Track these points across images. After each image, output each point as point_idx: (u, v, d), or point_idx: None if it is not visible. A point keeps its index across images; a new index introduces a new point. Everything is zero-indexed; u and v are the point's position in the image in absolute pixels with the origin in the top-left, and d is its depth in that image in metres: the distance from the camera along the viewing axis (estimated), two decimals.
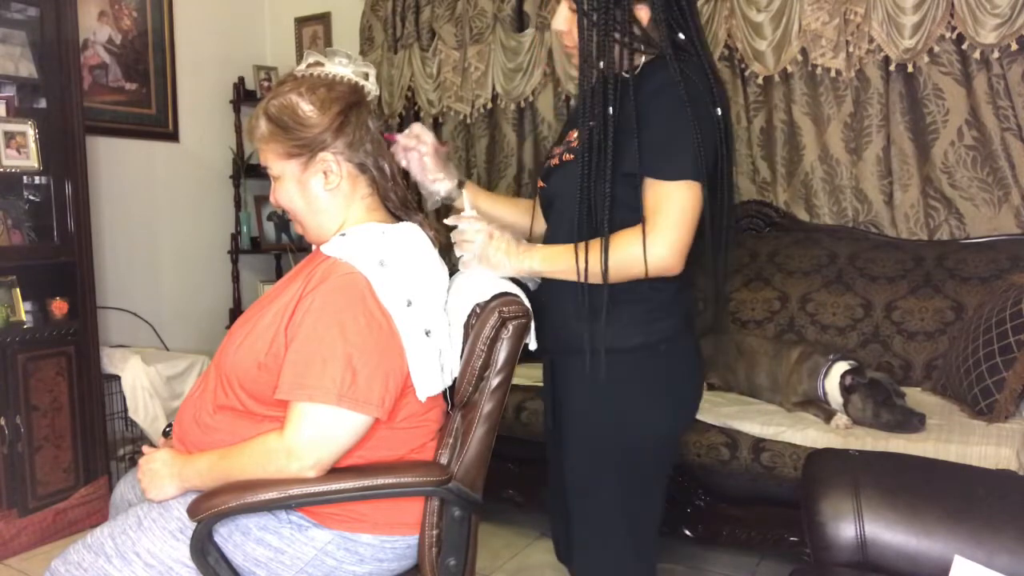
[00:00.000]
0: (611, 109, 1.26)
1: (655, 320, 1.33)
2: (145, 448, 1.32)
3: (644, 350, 1.33)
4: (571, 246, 1.29)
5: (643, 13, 1.28)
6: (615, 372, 1.31)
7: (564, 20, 1.35)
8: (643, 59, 1.32)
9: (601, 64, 1.28)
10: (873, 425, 1.97)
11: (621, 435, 1.35)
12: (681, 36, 1.28)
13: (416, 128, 1.51)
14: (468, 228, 1.34)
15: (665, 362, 1.35)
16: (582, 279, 1.27)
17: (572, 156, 1.36)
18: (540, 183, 1.48)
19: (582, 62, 1.31)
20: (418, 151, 1.50)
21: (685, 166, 1.24)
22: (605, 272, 1.25)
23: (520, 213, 1.57)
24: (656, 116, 1.26)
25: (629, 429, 1.35)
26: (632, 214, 1.27)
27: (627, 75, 1.29)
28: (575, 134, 1.39)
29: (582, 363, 1.32)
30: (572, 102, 3.11)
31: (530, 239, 1.47)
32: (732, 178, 1.35)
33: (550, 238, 1.43)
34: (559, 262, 1.31)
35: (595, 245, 1.27)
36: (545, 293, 1.39)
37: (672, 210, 1.24)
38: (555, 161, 1.42)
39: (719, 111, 1.28)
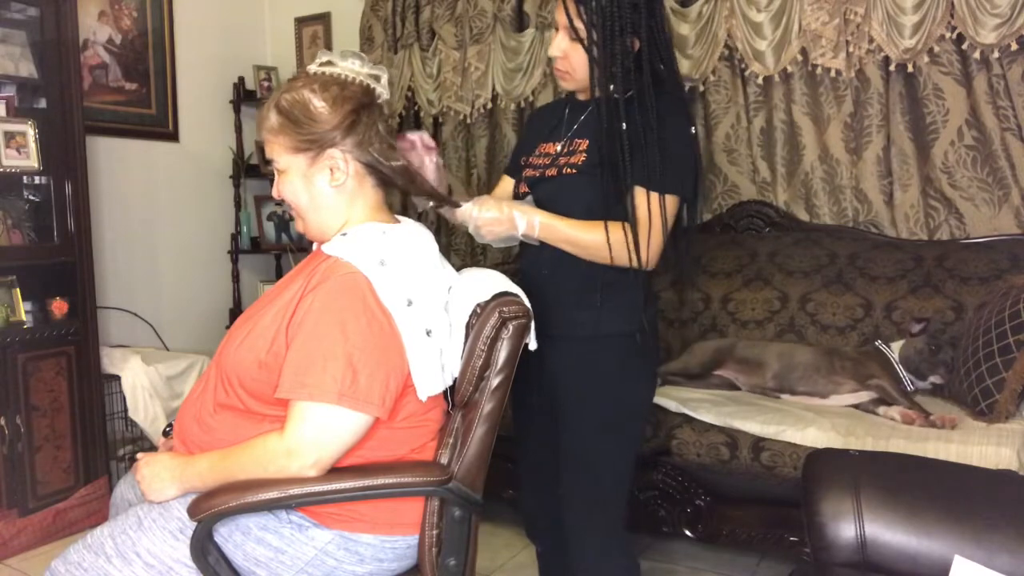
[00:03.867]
0: (624, 124, 1.43)
1: (643, 308, 1.52)
2: (140, 455, 1.31)
3: (636, 334, 1.51)
4: (576, 221, 1.46)
5: (635, 44, 1.47)
6: (618, 352, 1.52)
7: (560, 48, 1.51)
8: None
9: (611, 87, 1.44)
10: (927, 364, 2.20)
11: (622, 407, 1.54)
12: (662, 66, 1.49)
13: (427, 137, 1.55)
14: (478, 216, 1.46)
15: (648, 343, 1.56)
16: (579, 250, 1.47)
17: (574, 171, 1.52)
18: (523, 187, 1.60)
19: (593, 86, 1.47)
20: (431, 157, 1.55)
21: (679, 183, 1.47)
22: (637, 250, 1.44)
23: None
24: (665, 136, 1.44)
25: (629, 402, 1.55)
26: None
27: (618, 97, 1.45)
28: (574, 157, 1.54)
29: (587, 347, 1.51)
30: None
31: None
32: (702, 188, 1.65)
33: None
34: (560, 225, 1.47)
35: (597, 226, 1.45)
36: (554, 282, 1.52)
37: (663, 218, 1.45)
38: (552, 172, 1.55)
39: (693, 129, 1.52)
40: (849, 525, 1.17)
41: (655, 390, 1.66)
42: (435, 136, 3.57)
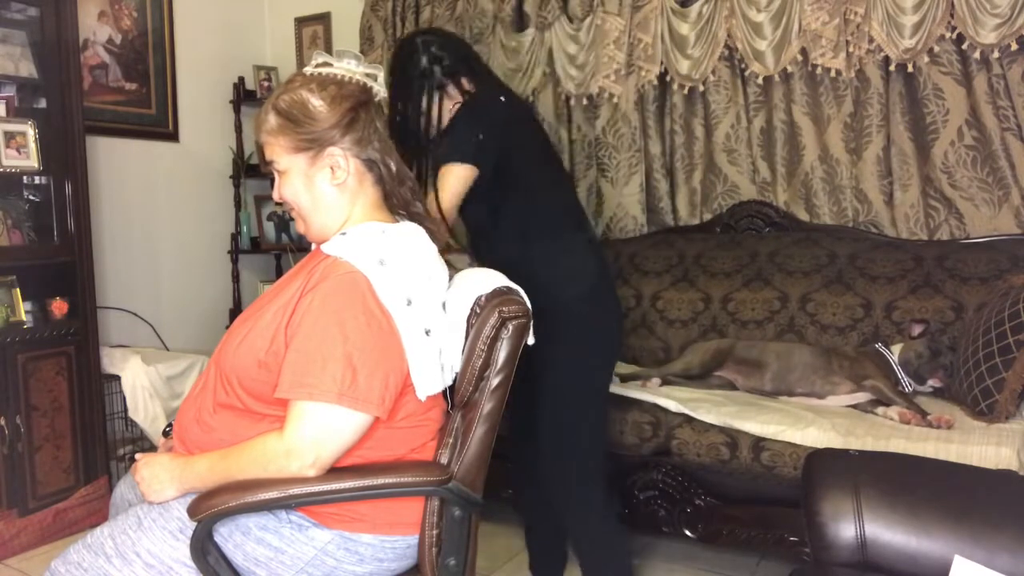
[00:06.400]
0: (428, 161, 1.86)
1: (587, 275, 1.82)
2: (139, 455, 1.31)
3: (573, 300, 1.78)
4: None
5: (465, 84, 1.87)
6: (568, 317, 1.77)
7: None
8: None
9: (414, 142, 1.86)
10: (926, 367, 2.20)
11: (586, 368, 1.81)
12: (472, 87, 1.87)
13: None
14: None
15: (588, 308, 1.81)
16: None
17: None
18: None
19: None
20: None
21: (455, 153, 1.77)
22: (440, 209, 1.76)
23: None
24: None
25: (591, 365, 1.83)
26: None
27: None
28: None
29: (551, 318, 1.63)
30: (572, 102, 3.13)
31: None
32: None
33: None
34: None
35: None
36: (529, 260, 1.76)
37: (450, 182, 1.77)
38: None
39: (502, 98, 1.88)
40: (849, 525, 1.17)
41: (612, 352, 1.92)
42: None
